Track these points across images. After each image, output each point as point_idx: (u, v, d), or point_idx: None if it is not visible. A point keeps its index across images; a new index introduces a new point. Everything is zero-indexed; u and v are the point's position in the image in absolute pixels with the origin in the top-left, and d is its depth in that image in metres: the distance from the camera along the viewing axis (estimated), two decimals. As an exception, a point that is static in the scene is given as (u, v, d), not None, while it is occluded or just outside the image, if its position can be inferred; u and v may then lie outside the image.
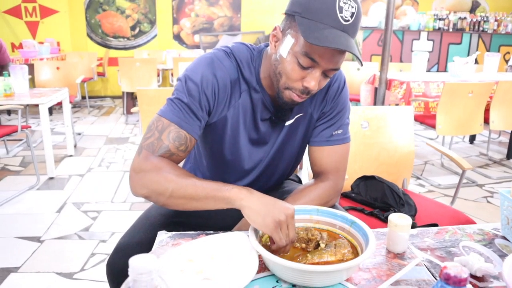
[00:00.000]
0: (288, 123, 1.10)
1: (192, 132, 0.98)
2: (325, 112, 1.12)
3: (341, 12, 0.86)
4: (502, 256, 0.87)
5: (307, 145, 1.19)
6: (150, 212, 1.17)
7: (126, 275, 0.99)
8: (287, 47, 0.92)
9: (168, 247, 0.86)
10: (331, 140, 1.13)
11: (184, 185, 0.90)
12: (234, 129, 1.06)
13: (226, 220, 1.13)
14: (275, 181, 1.25)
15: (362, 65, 0.94)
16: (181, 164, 1.15)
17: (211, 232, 0.93)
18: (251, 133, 1.08)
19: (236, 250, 0.81)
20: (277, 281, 0.75)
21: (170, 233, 0.93)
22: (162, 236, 0.92)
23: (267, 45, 1.06)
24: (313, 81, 0.92)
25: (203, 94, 0.98)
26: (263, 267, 0.79)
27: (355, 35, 0.91)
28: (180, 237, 0.92)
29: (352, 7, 0.88)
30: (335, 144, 1.13)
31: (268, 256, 0.72)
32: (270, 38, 0.99)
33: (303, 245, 0.84)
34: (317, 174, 1.16)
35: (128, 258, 0.99)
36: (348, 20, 0.88)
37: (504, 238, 0.95)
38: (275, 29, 0.97)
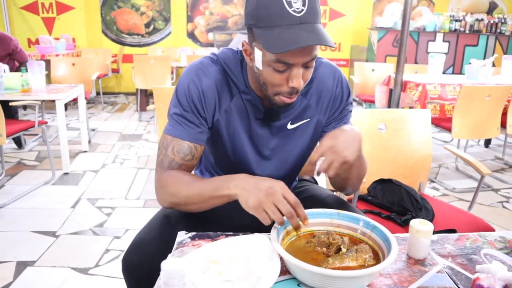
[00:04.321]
0: (290, 126, 1.12)
1: (194, 140, 1.05)
2: (333, 113, 1.16)
3: (290, 6, 0.85)
4: (525, 265, 0.86)
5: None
6: (166, 209, 1.18)
7: (141, 271, 1.02)
8: (259, 60, 0.94)
9: (189, 247, 0.87)
10: None
11: (191, 193, 0.99)
12: (231, 131, 1.10)
13: (247, 217, 1.12)
14: (286, 183, 1.25)
15: (334, 47, 0.89)
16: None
17: (231, 233, 0.94)
18: (250, 133, 1.11)
19: (257, 252, 0.81)
20: (298, 285, 0.75)
21: (190, 234, 0.94)
22: (182, 236, 0.93)
23: None
24: (296, 80, 0.93)
25: (192, 102, 1.04)
26: (284, 270, 0.79)
27: (317, 17, 0.89)
28: (200, 237, 0.92)
29: None
30: None
31: (290, 260, 0.72)
32: (243, 53, 1.01)
33: (324, 249, 0.83)
34: None
35: (143, 254, 1.03)
36: (302, 10, 0.86)
37: (527, 246, 0.93)
38: (243, 45, 1.00)
